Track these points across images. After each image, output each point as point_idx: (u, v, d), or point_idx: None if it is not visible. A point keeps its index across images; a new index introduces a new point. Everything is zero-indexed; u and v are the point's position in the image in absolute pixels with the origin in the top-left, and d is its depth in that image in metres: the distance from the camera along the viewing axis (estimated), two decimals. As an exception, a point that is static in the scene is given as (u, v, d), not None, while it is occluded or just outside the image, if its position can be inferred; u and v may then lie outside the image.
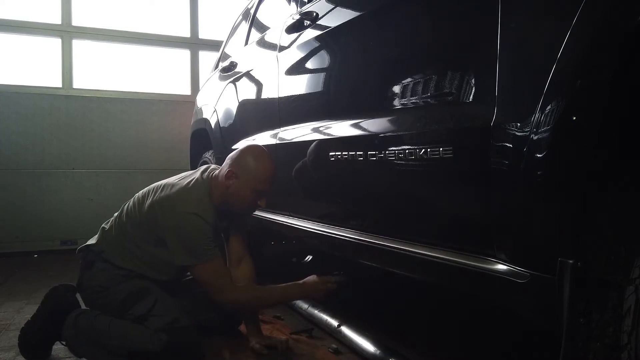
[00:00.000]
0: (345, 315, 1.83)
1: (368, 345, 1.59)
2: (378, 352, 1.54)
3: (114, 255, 1.64)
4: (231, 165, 1.63)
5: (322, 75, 1.73)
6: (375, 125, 1.34)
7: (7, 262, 3.37)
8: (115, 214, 1.75)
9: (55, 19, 3.86)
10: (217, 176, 1.66)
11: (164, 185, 1.65)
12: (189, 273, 1.72)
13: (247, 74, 2.44)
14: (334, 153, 1.48)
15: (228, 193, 1.62)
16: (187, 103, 4.07)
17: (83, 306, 1.71)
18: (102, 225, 1.75)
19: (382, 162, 1.26)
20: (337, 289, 1.64)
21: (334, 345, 1.70)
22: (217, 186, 1.64)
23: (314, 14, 1.71)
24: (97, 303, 1.64)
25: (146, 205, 1.62)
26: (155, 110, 4.13)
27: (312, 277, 1.65)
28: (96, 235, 1.73)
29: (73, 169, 3.87)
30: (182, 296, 1.71)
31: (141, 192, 1.71)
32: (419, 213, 1.23)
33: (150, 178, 1.92)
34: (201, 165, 1.94)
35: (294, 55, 1.87)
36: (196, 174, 1.70)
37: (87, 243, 1.71)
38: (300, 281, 1.66)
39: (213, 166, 1.75)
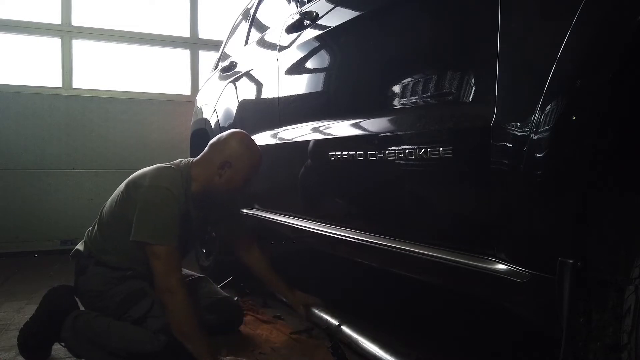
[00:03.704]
0: (345, 315, 1.82)
1: (368, 345, 1.59)
2: (378, 351, 1.54)
3: (103, 254, 1.63)
4: (223, 154, 1.63)
5: (322, 75, 1.73)
6: (375, 125, 1.34)
7: (7, 262, 3.37)
8: (97, 218, 1.74)
9: (55, 19, 3.86)
10: (198, 163, 1.67)
11: (141, 170, 1.66)
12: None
13: (247, 74, 2.44)
14: (333, 153, 1.48)
15: (217, 181, 1.63)
16: (187, 103, 4.07)
17: (82, 307, 1.70)
18: (87, 229, 1.74)
19: (382, 162, 1.26)
20: None
21: (334, 345, 1.70)
22: (200, 173, 1.64)
23: (314, 14, 1.71)
24: (95, 306, 1.63)
25: (122, 187, 1.64)
26: (155, 110, 4.13)
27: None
28: (82, 240, 1.72)
29: (73, 168, 3.87)
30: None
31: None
32: (419, 213, 1.23)
33: (150, 178, 1.92)
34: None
35: (294, 55, 1.87)
36: (172, 163, 1.69)
37: (76, 247, 1.71)
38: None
39: (188, 159, 1.73)
